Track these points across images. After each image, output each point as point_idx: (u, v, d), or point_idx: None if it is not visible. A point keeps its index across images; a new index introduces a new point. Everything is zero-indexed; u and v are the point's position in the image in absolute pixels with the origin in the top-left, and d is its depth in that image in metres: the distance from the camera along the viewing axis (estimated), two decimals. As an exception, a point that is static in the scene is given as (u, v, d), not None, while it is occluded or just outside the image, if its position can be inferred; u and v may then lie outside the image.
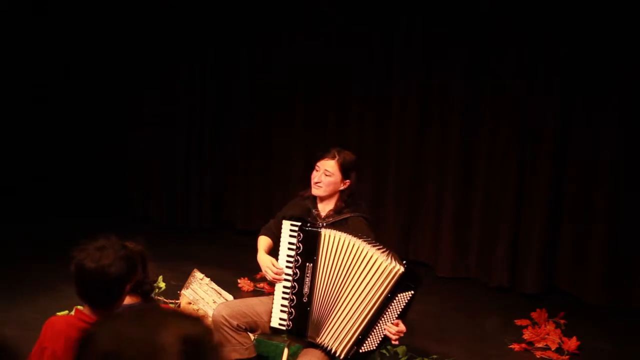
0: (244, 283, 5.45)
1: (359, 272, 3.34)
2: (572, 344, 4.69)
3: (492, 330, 4.99)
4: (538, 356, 4.62)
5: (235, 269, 5.60)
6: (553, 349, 4.67)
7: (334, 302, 3.41)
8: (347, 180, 3.75)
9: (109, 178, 7.42)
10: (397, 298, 3.30)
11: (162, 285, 5.02)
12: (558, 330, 4.86)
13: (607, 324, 5.19)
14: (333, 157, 3.72)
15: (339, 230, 3.47)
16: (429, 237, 6.18)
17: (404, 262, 3.31)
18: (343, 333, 3.37)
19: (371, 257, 3.33)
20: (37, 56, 7.24)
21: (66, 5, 7.17)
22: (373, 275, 3.31)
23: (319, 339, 3.43)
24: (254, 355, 3.72)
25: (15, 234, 6.27)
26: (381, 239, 6.04)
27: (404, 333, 3.34)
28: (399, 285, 3.28)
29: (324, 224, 3.59)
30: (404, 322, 3.35)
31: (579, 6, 5.34)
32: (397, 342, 3.40)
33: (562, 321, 5.00)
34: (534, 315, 5.07)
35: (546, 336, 4.81)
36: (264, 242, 3.83)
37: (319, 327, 3.45)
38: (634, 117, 5.27)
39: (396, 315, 3.33)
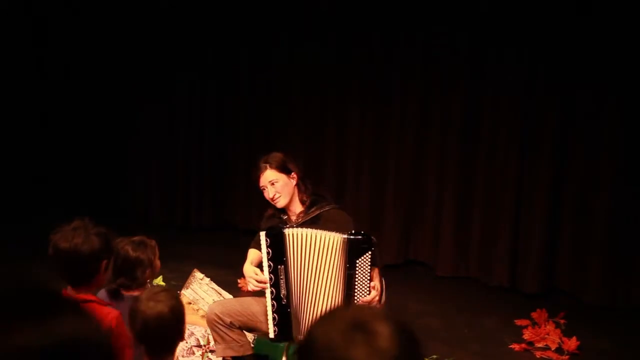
0: (244, 283, 5.44)
1: (321, 259, 3.38)
2: (572, 344, 4.69)
3: (492, 330, 4.99)
4: (538, 356, 4.62)
5: (235, 269, 5.58)
6: (553, 349, 4.67)
7: (310, 296, 3.41)
8: (293, 174, 3.74)
9: (110, 178, 7.42)
10: (358, 265, 3.32)
11: (162, 285, 5.02)
12: (558, 330, 4.86)
13: (607, 324, 5.18)
14: (265, 168, 3.71)
15: (313, 227, 3.48)
16: (429, 237, 6.18)
17: (354, 231, 3.35)
18: None
19: (326, 240, 3.36)
20: (37, 55, 7.24)
21: (67, 6, 7.18)
22: (329, 256, 3.35)
23: None
24: (250, 352, 3.71)
25: (14, 233, 6.27)
26: (381, 239, 6.09)
27: (381, 290, 3.39)
28: (352, 253, 3.31)
29: (294, 225, 3.59)
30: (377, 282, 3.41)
31: (579, 6, 5.34)
32: (380, 304, 3.41)
33: (562, 321, 5.00)
34: (534, 315, 5.07)
35: (546, 336, 4.81)
36: (252, 254, 3.81)
37: (302, 326, 3.43)
38: (634, 117, 5.27)
39: (368, 281, 3.35)
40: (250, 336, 3.86)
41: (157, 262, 3.20)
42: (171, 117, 7.06)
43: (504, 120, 5.71)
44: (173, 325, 2.38)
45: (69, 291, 2.59)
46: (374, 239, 3.40)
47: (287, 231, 3.45)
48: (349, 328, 1.18)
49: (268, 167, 3.70)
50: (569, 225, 5.59)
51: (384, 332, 1.17)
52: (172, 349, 2.42)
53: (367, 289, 3.35)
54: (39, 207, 7.02)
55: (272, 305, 3.48)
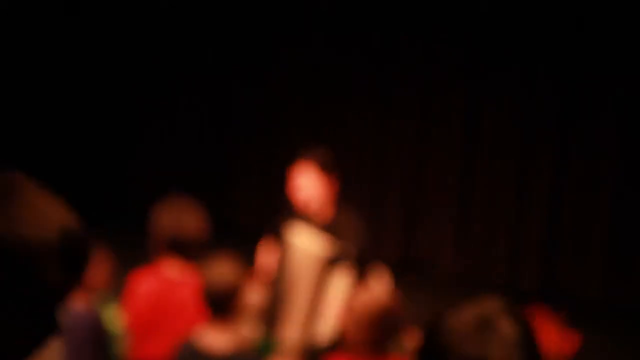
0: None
1: (300, 269, 3.26)
2: (571, 343, 4.69)
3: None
4: (538, 355, 4.61)
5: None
6: (553, 349, 4.67)
7: (286, 302, 3.35)
8: (334, 178, 3.32)
9: (110, 177, 7.43)
10: (328, 284, 3.15)
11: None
12: (558, 330, 4.86)
13: (607, 323, 5.19)
14: (307, 165, 3.24)
15: (334, 233, 3.33)
16: (429, 237, 6.19)
17: (339, 250, 3.15)
18: (296, 329, 3.32)
19: (307, 252, 3.21)
20: (37, 53, 7.25)
21: (71, 5, 7.19)
22: (306, 268, 3.22)
23: (281, 339, 3.40)
24: (249, 346, 3.70)
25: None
26: (381, 239, 6.09)
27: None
28: (326, 271, 3.12)
29: (315, 227, 3.44)
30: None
31: (580, 8, 5.35)
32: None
33: (562, 320, 5.00)
34: (533, 314, 5.07)
35: (546, 335, 4.81)
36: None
37: (282, 327, 3.40)
38: (634, 117, 5.28)
39: (338, 301, 3.14)
40: (252, 333, 3.86)
41: (102, 272, 3.20)
42: (171, 117, 7.07)
43: (504, 120, 5.72)
44: (235, 290, 2.67)
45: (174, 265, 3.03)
46: (357, 260, 3.14)
47: (288, 232, 3.39)
48: (477, 325, 1.24)
49: (311, 164, 3.21)
50: (569, 225, 5.60)
51: (508, 325, 1.25)
52: (232, 312, 2.70)
53: (336, 308, 3.13)
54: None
55: (267, 300, 3.49)
